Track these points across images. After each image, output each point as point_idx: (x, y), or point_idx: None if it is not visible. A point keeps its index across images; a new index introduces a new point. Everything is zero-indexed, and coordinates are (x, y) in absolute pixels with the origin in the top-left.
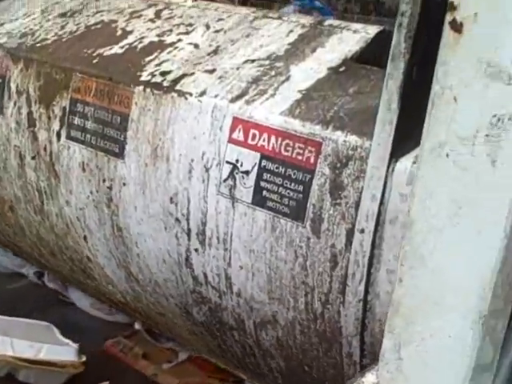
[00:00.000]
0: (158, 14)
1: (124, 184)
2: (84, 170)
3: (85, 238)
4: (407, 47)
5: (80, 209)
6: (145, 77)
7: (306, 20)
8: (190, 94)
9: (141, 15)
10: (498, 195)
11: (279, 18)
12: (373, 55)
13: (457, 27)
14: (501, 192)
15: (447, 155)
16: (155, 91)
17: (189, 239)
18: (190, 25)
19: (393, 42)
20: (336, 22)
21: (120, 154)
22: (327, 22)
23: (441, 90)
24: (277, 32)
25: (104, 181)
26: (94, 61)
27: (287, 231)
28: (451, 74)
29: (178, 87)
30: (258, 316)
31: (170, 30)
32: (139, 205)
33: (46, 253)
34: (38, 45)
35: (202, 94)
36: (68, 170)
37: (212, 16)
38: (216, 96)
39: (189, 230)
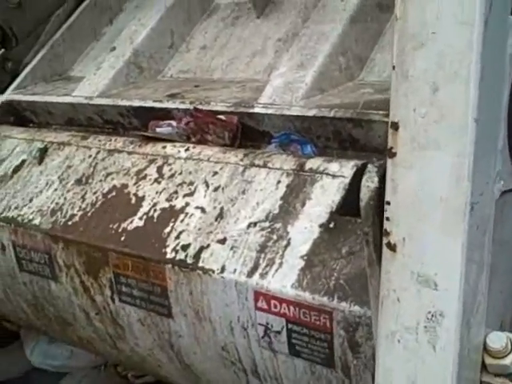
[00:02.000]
0: (160, 173)
1: (180, 336)
2: (143, 324)
3: (159, 366)
4: None
5: (149, 349)
6: (169, 253)
7: (288, 165)
8: (213, 271)
9: (145, 175)
10: (440, 373)
11: (265, 165)
12: (352, 203)
13: (392, 247)
14: (442, 371)
15: (398, 341)
16: (183, 269)
17: (246, 376)
18: (191, 183)
19: None
20: (315, 165)
21: (169, 315)
22: (308, 166)
23: (387, 292)
24: (267, 184)
25: (162, 332)
26: (122, 238)
27: (324, 374)
28: (393, 280)
29: (200, 264)
30: None
31: (176, 192)
32: (197, 351)
33: (128, 367)
34: (69, 223)
35: (223, 269)
36: (129, 323)
37: (207, 170)
38: (235, 271)
39: (244, 369)
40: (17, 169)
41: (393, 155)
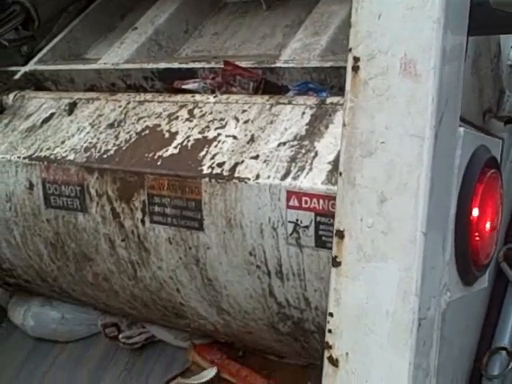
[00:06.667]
0: (191, 114)
1: (208, 248)
2: (171, 242)
3: (177, 290)
4: None
5: (172, 270)
6: (206, 170)
7: (311, 101)
8: (248, 179)
9: (177, 116)
10: None
11: (289, 102)
12: None
13: (334, 362)
14: None
15: None
16: (219, 180)
17: (270, 278)
18: (222, 119)
19: None
20: (335, 100)
21: (200, 228)
22: (328, 101)
23: None
24: (293, 115)
25: (190, 248)
26: (158, 163)
27: None
28: None
29: (236, 174)
30: None
31: (208, 127)
32: (223, 260)
33: (139, 306)
34: (104, 156)
35: (257, 177)
36: (156, 244)
37: (236, 109)
38: (268, 177)
39: (268, 271)
40: (46, 120)
41: (337, 264)
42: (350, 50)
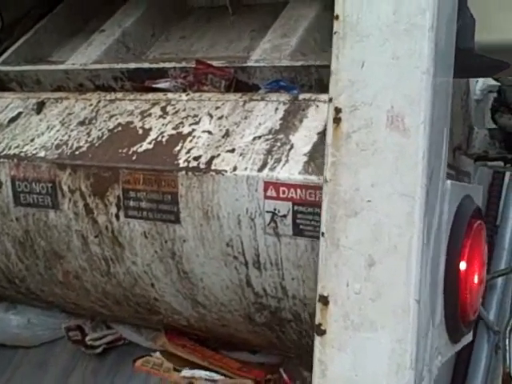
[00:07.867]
0: (164, 111)
1: (184, 241)
2: (146, 237)
3: (152, 285)
4: None
5: (147, 264)
6: (182, 163)
7: (283, 97)
8: (225, 171)
9: (150, 114)
10: None
11: (263, 99)
12: None
13: None
14: None
15: None
16: (196, 173)
17: (247, 268)
18: (196, 116)
19: None
20: (307, 96)
21: (176, 221)
22: (301, 97)
23: None
24: (267, 111)
25: (166, 241)
26: (133, 158)
27: None
28: None
29: (213, 167)
30: (311, 307)
31: (182, 123)
32: (200, 253)
33: (111, 303)
34: (77, 152)
35: (235, 169)
36: (131, 239)
37: (209, 106)
38: (246, 169)
39: (246, 262)
40: (13, 119)
41: (322, 333)
42: (331, 100)
